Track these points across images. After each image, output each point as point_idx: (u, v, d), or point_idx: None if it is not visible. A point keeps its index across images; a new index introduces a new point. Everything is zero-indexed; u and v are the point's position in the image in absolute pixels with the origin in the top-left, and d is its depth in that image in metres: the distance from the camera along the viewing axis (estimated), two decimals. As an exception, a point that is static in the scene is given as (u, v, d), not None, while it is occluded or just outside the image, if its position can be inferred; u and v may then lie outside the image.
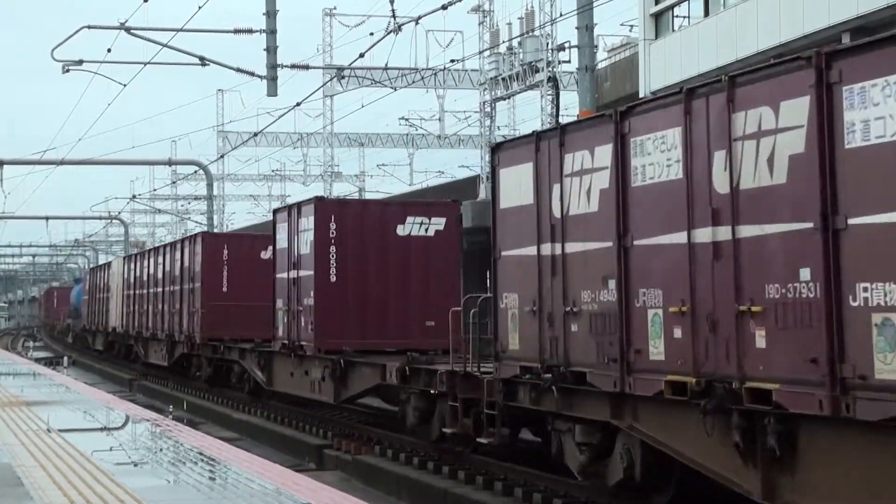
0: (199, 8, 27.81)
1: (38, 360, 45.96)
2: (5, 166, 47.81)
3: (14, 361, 38.36)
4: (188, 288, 34.18)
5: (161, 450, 13.44)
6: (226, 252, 32.40)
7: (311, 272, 23.10)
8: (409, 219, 23.29)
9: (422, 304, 22.93)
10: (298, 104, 33.92)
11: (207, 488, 10.29)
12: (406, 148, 65.97)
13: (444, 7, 24.81)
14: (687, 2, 33.44)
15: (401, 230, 23.22)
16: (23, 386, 23.89)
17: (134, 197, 75.41)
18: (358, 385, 22.21)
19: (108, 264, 54.43)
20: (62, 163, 49.67)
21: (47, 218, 72.63)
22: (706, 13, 32.07)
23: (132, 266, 45.05)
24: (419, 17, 27.13)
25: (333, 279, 22.87)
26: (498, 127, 50.39)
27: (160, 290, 38.59)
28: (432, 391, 18.60)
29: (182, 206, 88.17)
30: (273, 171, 78.56)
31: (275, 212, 26.28)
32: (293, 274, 24.21)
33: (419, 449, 19.49)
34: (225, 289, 32.07)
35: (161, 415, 20.00)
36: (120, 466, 11.82)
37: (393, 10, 27.47)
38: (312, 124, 65.24)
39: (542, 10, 42.75)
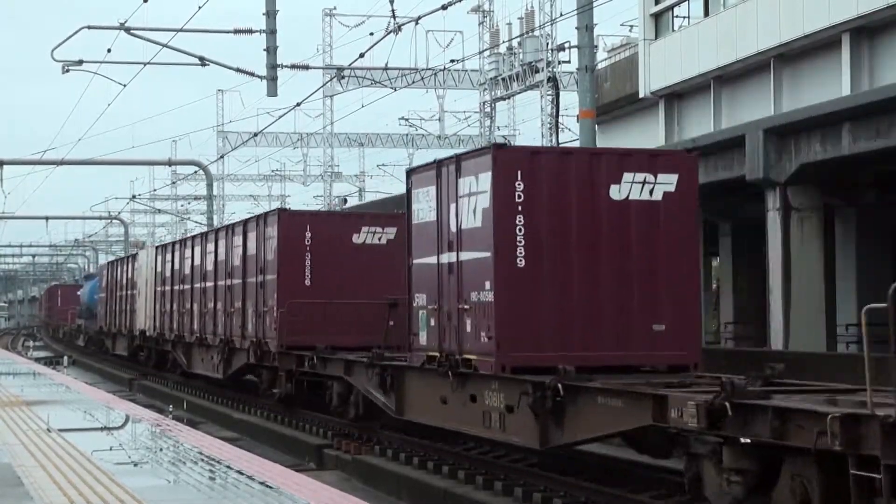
0: (199, 8, 27.87)
1: (38, 360, 45.98)
2: (5, 166, 47.86)
3: (14, 361, 38.38)
4: (256, 282, 27.08)
5: (161, 449, 13.44)
6: (308, 235, 25.38)
7: (486, 254, 16.19)
8: (627, 176, 16.40)
9: (647, 299, 16.37)
10: (298, 104, 34.01)
11: (207, 488, 10.30)
12: (406, 148, 65.98)
13: (444, 7, 24.84)
14: (687, 2, 33.45)
15: (615, 192, 16.37)
16: (23, 385, 23.90)
17: (134, 197, 75.47)
18: (592, 425, 14.75)
19: (134, 256, 46.37)
20: (62, 163, 49.69)
21: (47, 218, 72.69)
22: (706, 13, 32.09)
23: (168, 257, 37.69)
24: (419, 18, 27.17)
25: (521, 264, 15.99)
26: (498, 127, 50.49)
27: (210, 284, 31.52)
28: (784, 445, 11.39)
29: (182, 206, 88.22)
30: (273, 171, 78.63)
31: (410, 172, 19.12)
32: (447, 258, 17.36)
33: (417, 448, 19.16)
34: (308, 282, 25.27)
35: (161, 414, 20.01)
36: (120, 466, 11.82)
37: (393, 11, 27.52)
38: (312, 124, 65.20)
39: (542, 10, 42.79)
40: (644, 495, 14.32)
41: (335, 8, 56.82)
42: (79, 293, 74.38)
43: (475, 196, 16.58)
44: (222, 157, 65.61)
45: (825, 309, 24.53)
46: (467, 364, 16.80)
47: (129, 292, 45.69)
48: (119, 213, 77.34)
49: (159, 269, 38.94)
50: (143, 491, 10.12)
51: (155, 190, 73.60)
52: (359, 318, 23.84)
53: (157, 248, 41.27)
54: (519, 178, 16.09)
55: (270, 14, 29.54)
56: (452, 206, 17.21)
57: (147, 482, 10.82)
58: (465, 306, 16.75)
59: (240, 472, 11.15)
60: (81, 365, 55.01)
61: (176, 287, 36.16)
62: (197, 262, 33.41)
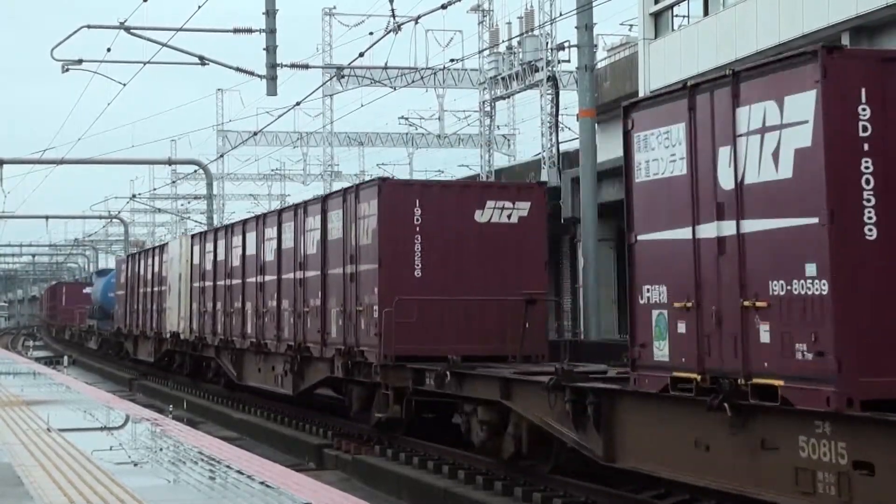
0: (199, 7, 27.85)
1: (38, 360, 45.99)
2: (5, 166, 47.85)
3: (14, 361, 38.38)
4: (344, 273, 21.52)
5: (161, 449, 13.44)
6: (418, 212, 19.98)
7: (808, 221, 10.53)
8: None
9: None
10: (298, 104, 33.98)
11: (207, 488, 10.30)
12: (406, 147, 66.01)
13: (443, 6, 24.81)
14: (686, 1, 33.45)
15: None
16: (23, 385, 23.91)
17: (134, 196, 75.46)
18: None
19: (162, 247, 40.26)
20: (62, 162, 49.69)
21: (47, 217, 72.69)
22: (706, 12, 32.07)
23: (209, 247, 32.13)
24: (419, 17, 27.16)
25: (872, 235, 10.44)
26: (497, 126, 50.49)
27: (272, 278, 26.02)
28: None
29: (182, 205, 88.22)
30: (273, 170, 78.62)
31: (629, 108, 13.18)
32: (713, 229, 11.72)
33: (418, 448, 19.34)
34: (418, 273, 19.87)
35: (161, 414, 20.02)
36: (120, 466, 11.83)
37: (392, 10, 27.49)
38: (312, 124, 65.39)
39: (542, 9, 42.76)
40: (644, 494, 14.32)
41: (335, 7, 56.82)
42: (86, 291, 72.72)
43: (776, 132, 11.02)
44: (222, 156, 65.65)
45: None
46: (761, 392, 11.04)
47: (155, 289, 39.70)
48: (119, 212, 77.45)
49: (196, 262, 33.44)
50: (143, 491, 10.12)
51: (155, 189, 73.65)
52: (483, 320, 19.46)
53: (192, 236, 35.26)
54: (863, 99, 10.54)
55: (270, 13, 29.53)
56: (724, 151, 11.64)
57: (147, 482, 10.83)
58: (758, 303, 11.13)
59: (240, 472, 11.16)
60: (81, 365, 55.04)
61: (220, 282, 30.54)
62: (251, 251, 27.84)
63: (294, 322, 24.26)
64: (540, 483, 15.76)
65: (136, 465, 12.16)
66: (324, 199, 23.12)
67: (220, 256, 30.79)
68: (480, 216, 20.02)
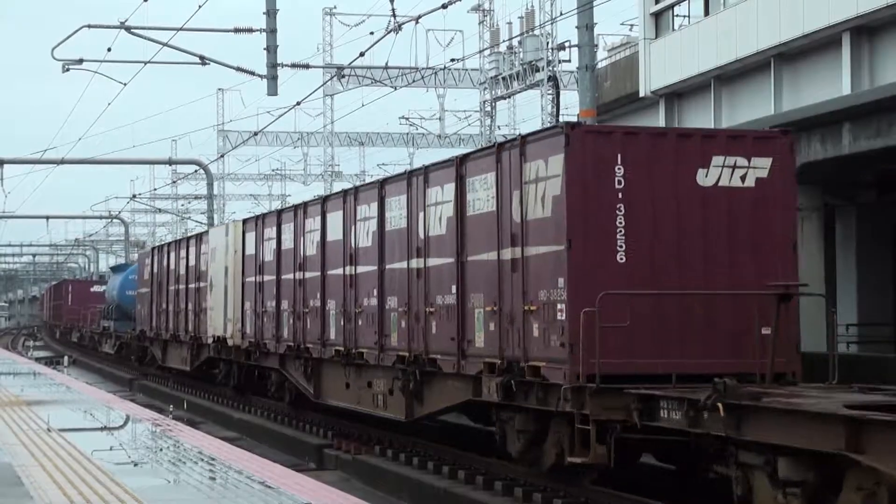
0: (200, 7, 27.84)
1: (38, 360, 46.01)
2: (5, 166, 47.87)
3: (14, 361, 38.39)
4: (499, 259, 15.97)
5: (161, 449, 13.44)
6: (620, 171, 14.72)
7: None
8: None
9: None
10: (299, 103, 33.94)
11: (207, 488, 10.29)
12: (406, 147, 65.98)
13: (444, 6, 24.79)
14: (687, 1, 33.45)
15: None
16: (23, 385, 23.92)
17: (134, 196, 75.44)
18: None
19: (199, 237, 34.34)
20: (62, 162, 49.70)
21: (47, 217, 72.70)
22: (706, 12, 32.06)
23: (269, 233, 26.72)
24: (419, 17, 27.15)
25: None
26: (498, 126, 50.50)
27: (369, 269, 20.54)
28: None
29: (182, 205, 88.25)
30: (273, 170, 78.63)
31: None
32: None
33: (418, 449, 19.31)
34: (622, 258, 14.58)
35: (161, 414, 20.02)
36: (120, 466, 11.83)
37: (393, 10, 27.48)
38: (313, 123, 65.41)
39: (543, 9, 42.80)
40: (644, 495, 14.30)
41: (335, 7, 56.80)
42: (94, 289, 71.25)
43: None
44: (223, 156, 65.66)
45: (825, 309, 24.53)
46: None
47: (191, 285, 34.07)
48: (119, 212, 77.47)
49: (251, 252, 28.03)
50: (143, 491, 10.12)
51: (155, 189, 73.64)
52: (714, 323, 14.69)
53: (245, 221, 29.71)
54: None
55: (271, 13, 29.55)
56: None
57: (147, 482, 10.83)
58: None
59: (240, 472, 11.16)
60: (81, 365, 55.04)
61: (287, 276, 25.07)
62: (334, 236, 22.37)
63: (408, 326, 18.80)
64: (540, 483, 15.74)
65: (136, 465, 12.17)
66: (459, 162, 17.30)
67: (287, 244, 25.21)
68: (704, 177, 14.92)
